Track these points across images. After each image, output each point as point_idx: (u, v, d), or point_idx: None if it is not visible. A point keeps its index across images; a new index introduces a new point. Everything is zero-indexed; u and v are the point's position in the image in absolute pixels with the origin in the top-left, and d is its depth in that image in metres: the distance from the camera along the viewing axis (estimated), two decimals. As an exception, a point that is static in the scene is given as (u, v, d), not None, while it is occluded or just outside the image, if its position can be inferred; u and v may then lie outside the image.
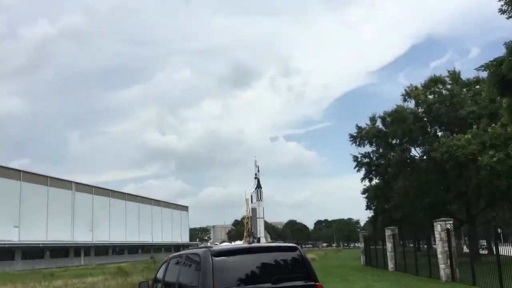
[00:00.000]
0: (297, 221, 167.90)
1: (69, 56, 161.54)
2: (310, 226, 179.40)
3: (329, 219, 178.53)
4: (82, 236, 67.05)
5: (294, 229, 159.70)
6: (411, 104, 34.51)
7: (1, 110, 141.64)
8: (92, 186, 74.08)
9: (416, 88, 34.55)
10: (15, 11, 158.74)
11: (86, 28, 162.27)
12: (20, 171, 58.04)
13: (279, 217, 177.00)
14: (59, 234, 62.02)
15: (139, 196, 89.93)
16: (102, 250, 73.00)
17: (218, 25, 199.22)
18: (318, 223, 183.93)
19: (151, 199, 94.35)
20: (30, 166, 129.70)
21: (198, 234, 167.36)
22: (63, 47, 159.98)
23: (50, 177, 63.69)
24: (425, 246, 26.02)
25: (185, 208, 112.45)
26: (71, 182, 68.02)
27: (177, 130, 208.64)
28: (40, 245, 57.53)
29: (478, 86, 32.81)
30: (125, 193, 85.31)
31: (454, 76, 34.61)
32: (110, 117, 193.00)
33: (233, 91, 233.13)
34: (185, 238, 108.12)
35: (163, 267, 7.75)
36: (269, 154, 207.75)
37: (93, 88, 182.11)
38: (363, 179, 38.45)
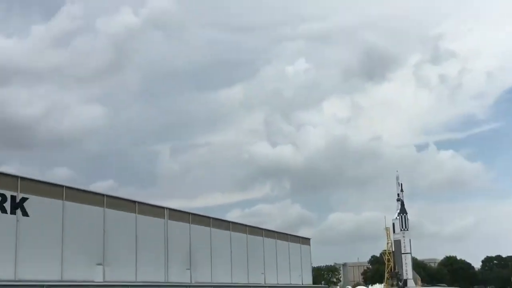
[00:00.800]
0: (458, 257, 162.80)
1: (156, 51, 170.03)
2: (476, 264, 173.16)
3: (503, 255, 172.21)
4: (178, 276, 69.49)
5: (453, 269, 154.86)
6: None
7: (80, 121, 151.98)
8: (189, 213, 76.61)
9: None
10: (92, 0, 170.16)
11: (176, 15, 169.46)
12: (103, 195, 61.51)
13: (432, 253, 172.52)
14: (151, 274, 64.76)
15: (247, 225, 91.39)
16: (203, 294, 75.23)
17: (341, 1, 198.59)
18: (488, 261, 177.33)
19: (262, 229, 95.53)
20: (114, 189, 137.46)
21: (324, 274, 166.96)
22: (149, 41, 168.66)
23: (138, 203, 66.80)
24: None
25: (306, 240, 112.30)
26: (163, 208, 70.92)
27: (292, 139, 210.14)
28: (129, 287, 60.47)
29: None
30: (229, 222, 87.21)
31: None
32: (207, 126, 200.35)
33: (363, 86, 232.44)
34: (307, 280, 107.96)
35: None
36: (415, 168, 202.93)
37: (185, 89, 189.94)
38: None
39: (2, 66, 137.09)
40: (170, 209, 72.63)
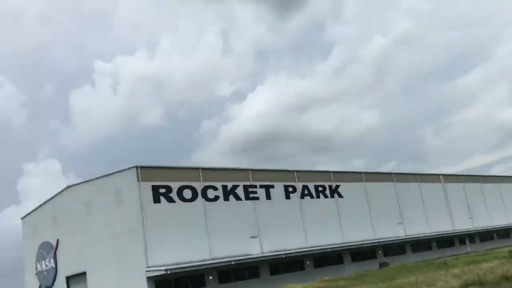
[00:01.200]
0: None
1: (405, 61, 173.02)
2: None
3: None
4: (462, 224, 70.80)
5: None
6: None
7: (362, 125, 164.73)
8: (460, 175, 77.49)
9: None
10: (350, 35, 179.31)
11: (416, 28, 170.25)
12: (391, 173, 66.13)
13: None
14: (441, 226, 67.39)
15: (510, 176, 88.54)
16: (485, 235, 75.16)
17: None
18: None
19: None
20: (398, 168, 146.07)
21: None
22: (399, 54, 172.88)
23: (419, 174, 70.01)
24: None
25: None
26: (438, 175, 72.97)
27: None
28: (426, 238, 63.92)
29: None
30: (495, 176, 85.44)
31: None
32: (457, 107, 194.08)
33: None
34: None
35: None
36: None
37: (434, 83, 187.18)
38: None
39: (304, 99, 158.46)
40: (445, 175, 74.33)
